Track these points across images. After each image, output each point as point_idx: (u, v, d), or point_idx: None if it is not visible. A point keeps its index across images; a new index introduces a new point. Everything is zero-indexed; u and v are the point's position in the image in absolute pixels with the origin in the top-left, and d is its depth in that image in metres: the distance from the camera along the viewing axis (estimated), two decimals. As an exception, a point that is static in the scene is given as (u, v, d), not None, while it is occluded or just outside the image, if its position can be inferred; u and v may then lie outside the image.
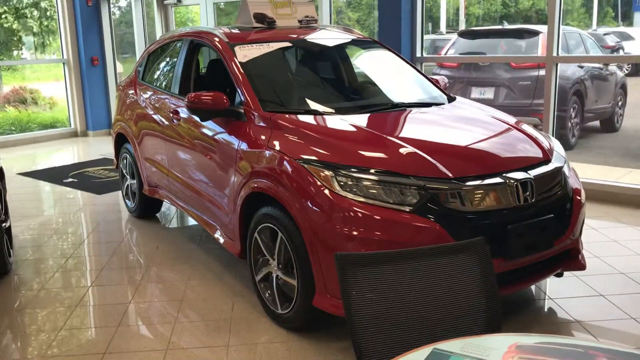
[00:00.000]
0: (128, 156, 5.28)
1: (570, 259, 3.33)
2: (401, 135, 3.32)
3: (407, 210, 2.81)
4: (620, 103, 9.33)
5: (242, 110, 3.59)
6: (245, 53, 3.88)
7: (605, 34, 16.41)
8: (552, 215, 3.05)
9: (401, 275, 1.66)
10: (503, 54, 8.17)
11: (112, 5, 10.01)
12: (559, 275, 3.48)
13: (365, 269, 1.64)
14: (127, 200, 5.50)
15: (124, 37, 10.99)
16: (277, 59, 4.14)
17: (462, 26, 21.13)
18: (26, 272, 4.25)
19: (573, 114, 7.96)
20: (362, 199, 2.83)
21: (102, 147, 8.88)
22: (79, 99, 9.89)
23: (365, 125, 3.42)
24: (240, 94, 3.66)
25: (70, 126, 10.09)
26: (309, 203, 2.94)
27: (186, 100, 3.69)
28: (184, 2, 9.23)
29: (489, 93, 7.89)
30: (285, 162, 3.12)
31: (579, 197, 3.29)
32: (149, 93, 4.95)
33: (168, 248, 4.62)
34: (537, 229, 3.00)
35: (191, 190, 4.23)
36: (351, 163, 2.95)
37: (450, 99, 4.07)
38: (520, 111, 7.46)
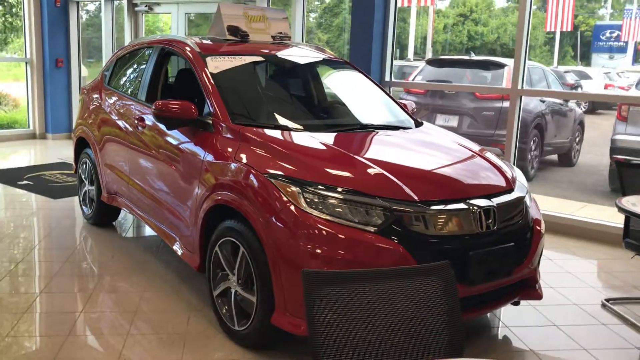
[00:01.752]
0: (88, 161, 5.15)
1: (527, 288, 3.37)
2: (369, 156, 3.32)
3: (372, 230, 2.80)
4: (577, 139, 9.63)
5: (210, 121, 3.55)
6: (216, 64, 3.85)
7: (565, 72, 17.01)
8: (513, 243, 3.10)
9: (366, 295, 1.65)
10: (469, 83, 8.34)
11: (80, 8, 9.84)
12: (516, 303, 3.52)
13: (331, 287, 1.62)
14: (83, 207, 5.35)
15: (91, 42, 10.80)
16: (248, 72, 4.13)
17: (429, 54, 21.58)
18: (-28, 275, 4.07)
19: (533, 147, 8.17)
20: (327, 217, 2.82)
21: (61, 150, 8.65)
22: (39, 100, 9.62)
23: (333, 143, 3.42)
24: (209, 105, 3.62)
25: (29, 127, 9.81)
26: (273, 218, 2.91)
27: (153, 107, 3.63)
28: (155, 9, 9.15)
29: (453, 121, 8.04)
30: (251, 176, 3.08)
31: (539, 227, 3.34)
32: (114, 98, 4.85)
33: (123, 257, 4.50)
34: (498, 256, 3.04)
35: (152, 199, 4.15)
36: (318, 180, 2.94)
37: (418, 124, 4.11)
38: (482, 141, 7.58)
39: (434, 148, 3.65)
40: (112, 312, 3.61)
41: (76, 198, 5.72)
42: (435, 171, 3.27)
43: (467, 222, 2.97)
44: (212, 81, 3.72)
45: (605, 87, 17.94)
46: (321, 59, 4.58)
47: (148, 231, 5.19)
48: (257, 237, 2.99)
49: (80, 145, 5.33)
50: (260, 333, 3.08)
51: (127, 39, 9.03)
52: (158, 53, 4.42)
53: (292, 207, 2.86)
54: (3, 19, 11.12)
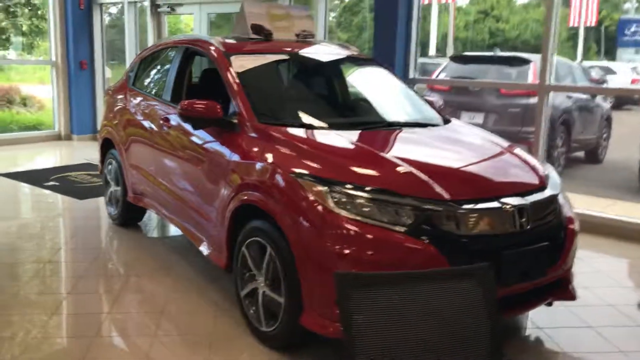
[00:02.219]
0: (113, 162, 5.16)
1: (561, 288, 3.29)
2: (397, 154, 3.26)
3: (402, 230, 2.74)
4: (605, 135, 9.42)
5: (236, 121, 3.52)
6: (241, 63, 3.82)
7: (590, 67, 16.70)
8: (547, 243, 3.01)
9: (403, 297, 1.60)
10: (493, 80, 8.21)
11: (103, 11, 9.92)
12: (549, 304, 3.43)
13: (366, 289, 1.57)
14: (109, 207, 5.37)
15: (114, 43, 10.88)
16: (273, 71, 4.09)
17: (450, 51, 21.37)
18: (0, 276, 4.10)
19: (560, 143, 8.01)
20: (355, 217, 2.76)
21: (86, 151, 8.72)
22: (65, 102, 9.73)
23: (360, 142, 3.37)
24: (235, 104, 3.59)
25: (55, 129, 9.92)
26: (300, 218, 2.86)
27: (179, 107, 3.62)
28: (177, 10, 9.18)
29: (478, 118, 7.92)
30: (278, 175, 3.04)
31: (572, 226, 3.25)
32: (139, 99, 4.85)
33: (149, 258, 4.50)
34: (532, 256, 2.96)
35: (178, 199, 4.13)
36: (346, 179, 2.88)
37: (446, 121, 4.04)
38: (508, 138, 7.47)
39: (463, 145, 3.57)
40: (138, 313, 3.60)
41: (102, 199, 5.75)
42: (465, 169, 3.20)
43: (500, 221, 2.89)
44: (237, 80, 3.69)
45: (633, 82, 17.56)
46: (346, 56, 4.53)
47: (173, 231, 5.19)
48: (284, 237, 2.95)
49: (106, 146, 5.35)
50: (288, 334, 3.04)
51: (150, 40, 9.08)
52: (182, 53, 4.41)
53: (320, 207, 2.81)
54: (30, 22, 11.27)
